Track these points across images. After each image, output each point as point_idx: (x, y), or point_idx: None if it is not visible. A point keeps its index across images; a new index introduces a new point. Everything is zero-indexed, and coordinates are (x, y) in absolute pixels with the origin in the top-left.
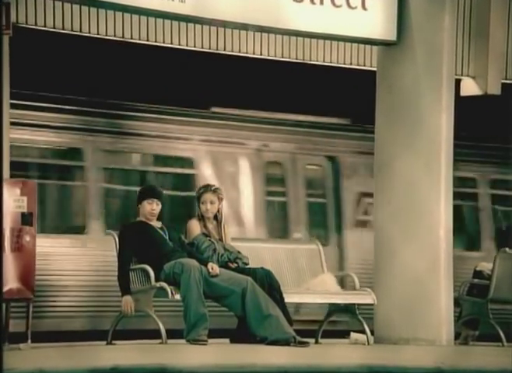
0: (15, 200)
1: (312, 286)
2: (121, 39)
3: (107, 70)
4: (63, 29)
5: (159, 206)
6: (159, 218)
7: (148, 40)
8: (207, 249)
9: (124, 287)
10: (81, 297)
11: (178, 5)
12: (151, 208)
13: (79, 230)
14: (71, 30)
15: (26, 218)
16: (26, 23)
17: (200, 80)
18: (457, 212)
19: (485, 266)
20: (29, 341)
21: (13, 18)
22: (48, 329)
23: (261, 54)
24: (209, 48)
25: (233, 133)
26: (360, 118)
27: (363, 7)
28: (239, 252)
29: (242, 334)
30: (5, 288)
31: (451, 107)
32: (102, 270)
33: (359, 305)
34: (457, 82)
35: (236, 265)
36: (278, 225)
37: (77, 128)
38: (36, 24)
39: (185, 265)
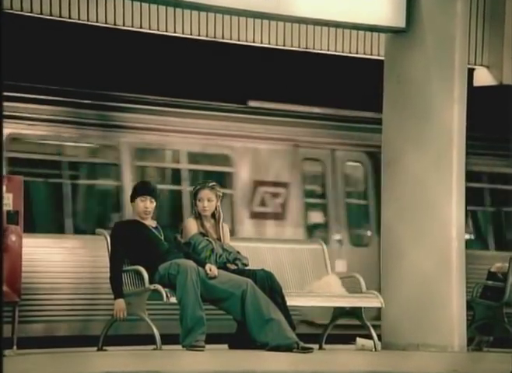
0: None
1: (315, 288)
2: (113, 26)
3: (98, 59)
4: (51, 15)
5: (153, 204)
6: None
7: (141, 28)
8: (204, 249)
9: (117, 290)
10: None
11: None
12: (144, 206)
13: None
14: (60, 16)
15: (11, 217)
16: (12, 9)
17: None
18: None
19: (500, 268)
20: (15, 347)
21: None
22: (35, 335)
23: (261, 43)
24: (207, 36)
25: None
26: None
27: None
28: (238, 253)
29: (241, 339)
30: None
31: (464, 98)
32: None
33: (365, 308)
34: (470, 72)
35: (235, 266)
36: None
37: None
38: (22, 10)
39: (181, 266)
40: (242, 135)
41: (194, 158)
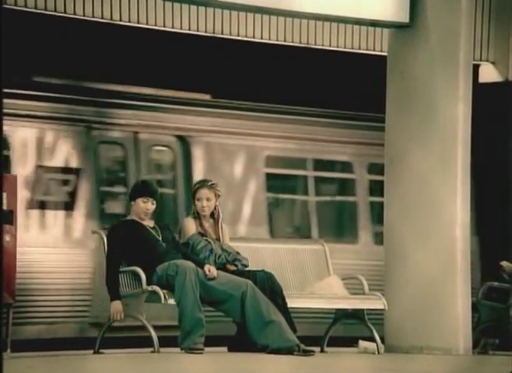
0: None
1: (317, 290)
2: (110, 21)
3: (94, 54)
4: (45, 9)
5: (154, 205)
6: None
7: (139, 23)
8: (203, 250)
9: (114, 292)
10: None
11: None
12: (145, 207)
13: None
14: (55, 11)
15: (5, 216)
16: (6, 3)
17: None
18: None
19: (506, 266)
20: (9, 350)
21: None
22: (30, 337)
23: (261, 38)
24: (205, 31)
25: None
26: None
27: None
28: (238, 253)
29: (241, 342)
30: None
31: (469, 95)
32: None
33: (368, 310)
34: (476, 68)
35: (234, 267)
36: None
37: None
38: (16, 4)
39: (180, 267)
40: (22, 114)
41: None
